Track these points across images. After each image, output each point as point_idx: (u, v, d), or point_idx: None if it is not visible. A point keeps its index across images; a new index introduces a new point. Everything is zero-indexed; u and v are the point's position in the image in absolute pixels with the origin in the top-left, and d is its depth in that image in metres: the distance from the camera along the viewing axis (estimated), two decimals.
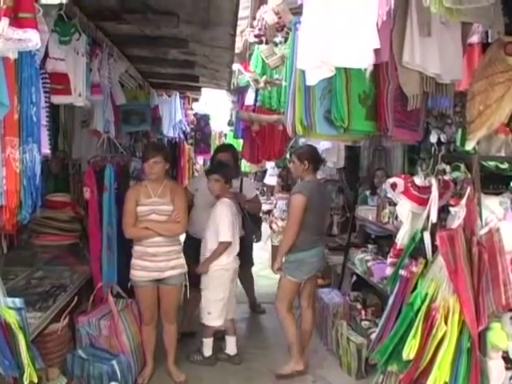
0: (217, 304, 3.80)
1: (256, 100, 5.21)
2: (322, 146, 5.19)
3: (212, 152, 5.62)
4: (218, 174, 3.88)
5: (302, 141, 4.81)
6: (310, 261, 3.76)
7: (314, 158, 3.78)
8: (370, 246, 4.61)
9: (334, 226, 6.11)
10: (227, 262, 3.82)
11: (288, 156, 6.06)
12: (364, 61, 1.95)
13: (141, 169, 4.40)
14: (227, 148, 4.72)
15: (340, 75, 2.55)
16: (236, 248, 3.91)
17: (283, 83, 4.22)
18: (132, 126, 5.36)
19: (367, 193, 5.29)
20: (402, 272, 2.68)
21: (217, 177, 3.85)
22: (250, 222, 4.45)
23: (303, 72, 2.40)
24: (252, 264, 5.19)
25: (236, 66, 5.22)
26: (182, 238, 4.00)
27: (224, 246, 3.77)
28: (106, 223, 3.70)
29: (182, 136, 7.79)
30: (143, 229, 3.46)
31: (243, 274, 4.76)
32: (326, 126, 2.69)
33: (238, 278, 5.06)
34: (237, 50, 4.80)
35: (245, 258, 4.38)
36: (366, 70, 2.06)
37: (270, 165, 7.82)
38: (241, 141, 7.47)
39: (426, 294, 2.45)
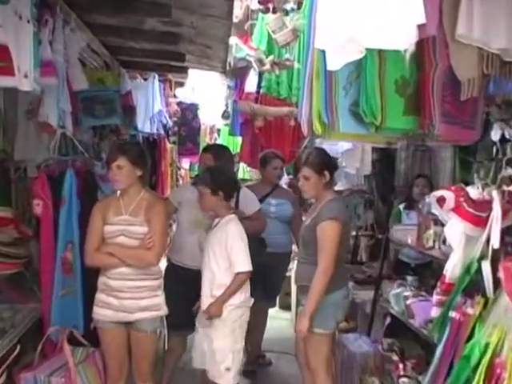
0: (236, 356, 3.77)
1: (260, 86, 5.25)
2: (340, 146, 5.21)
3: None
4: (202, 183, 3.87)
5: (318, 141, 4.82)
6: (344, 302, 3.77)
7: (333, 166, 3.79)
8: (408, 278, 4.59)
9: (360, 252, 6.10)
10: (245, 299, 3.81)
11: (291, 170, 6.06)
12: (405, 41, 1.96)
13: (104, 176, 4.42)
14: (210, 148, 4.74)
15: (371, 56, 2.56)
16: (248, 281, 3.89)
17: (295, 65, 4.24)
18: (96, 118, 5.35)
19: (401, 207, 5.30)
20: (454, 314, 2.67)
21: (201, 187, 3.84)
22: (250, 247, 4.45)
23: (323, 53, 2.40)
24: (271, 302, 5.21)
25: (233, 41, 5.25)
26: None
27: (243, 278, 3.73)
28: (64, 246, 3.69)
29: (162, 132, 7.82)
30: (106, 254, 3.48)
31: (253, 316, 4.79)
32: (351, 123, 2.70)
33: None
34: (235, 20, 4.84)
35: (259, 293, 4.39)
36: (406, 51, 2.07)
37: None
38: (239, 139, 7.53)
39: (487, 345, 2.43)
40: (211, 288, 3.76)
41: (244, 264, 3.69)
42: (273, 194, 5.13)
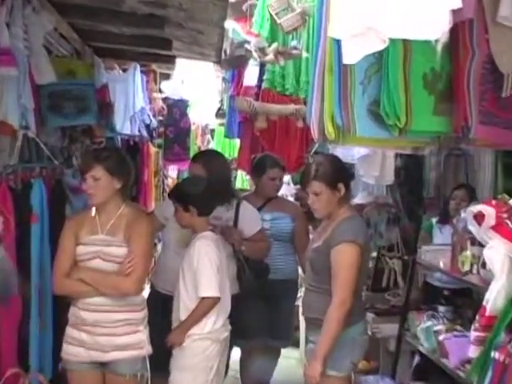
0: None
1: (261, 79, 5.26)
2: (357, 151, 5.21)
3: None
4: (174, 197, 3.99)
5: (331, 146, 4.83)
6: (362, 339, 3.76)
7: (348, 177, 3.79)
8: (441, 309, 4.59)
9: (382, 277, 6.09)
10: (212, 329, 3.83)
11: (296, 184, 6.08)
12: (436, 29, 1.96)
13: (75, 187, 4.42)
14: (200, 156, 4.73)
15: (395, 46, 2.55)
16: (226, 308, 3.94)
17: (304, 55, 4.25)
18: (65, 117, 5.38)
19: (433, 221, 5.29)
20: (496, 354, 2.66)
21: (175, 203, 3.96)
22: (250, 273, 4.44)
23: (337, 42, 2.41)
24: (281, 341, 5.13)
25: (230, 25, 5.27)
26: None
27: (209, 305, 3.78)
28: (35, 273, 3.72)
29: (144, 134, 7.85)
30: (78, 281, 3.48)
31: (259, 356, 4.80)
32: (370, 126, 2.70)
33: (241, 362, 5.01)
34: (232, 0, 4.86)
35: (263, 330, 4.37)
36: (437, 40, 2.07)
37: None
38: (236, 142, 7.54)
39: None
40: (179, 314, 3.83)
41: (209, 288, 3.74)
42: (267, 207, 5.02)
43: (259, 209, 4.86)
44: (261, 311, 4.81)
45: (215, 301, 3.78)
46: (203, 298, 3.76)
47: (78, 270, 3.50)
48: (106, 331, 3.49)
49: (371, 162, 5.39)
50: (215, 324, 3.84)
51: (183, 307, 3.83)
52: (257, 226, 4.59)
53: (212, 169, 4.36)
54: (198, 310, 3.78)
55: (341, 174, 3.71)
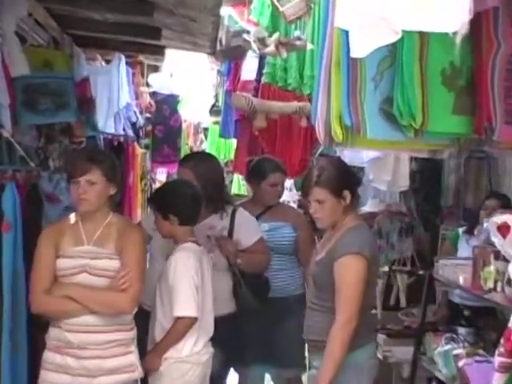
0: None
1: (261, 73, 5.26)
2: (365, 155, 5.21)
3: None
4: (153, 203, 4.03)
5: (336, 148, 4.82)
6: (371, 363, 3.73)
7: (355, 183, 3.78)
8: (461, 331, 4.59)
9: (394, 294, 6.08)
10: (192, 352, 3.82)
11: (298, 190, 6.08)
12: (455, 20, 1.96)
13: (50, 195, 4.40)
14: (188, 159, 4.71)
15: (410, 38, 2.56)
16: (208, 328, 3.92)
17: (308, 46, 4.25)
18: (41, 114, 5.39)
19: (460, 231, 5.27)
20: None
21: (154, 210, 3.98)
22: (247, 289, 4.43)
23: (346, 33, 2.41)
24: (290, 369, 5.07)
25: (226, 11, 5.27)
26: None
27: (184, 325, 3.75)
28: (7, 288, 3.72)
29: (130, 133, 7.84)
30: (63, 298, 3.44)
31: None
32: (383, 127, 2.70)
33: None
34: None
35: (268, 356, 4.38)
36: (456, 33, 2.07)
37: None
38: (233, 142, 7.53)
39: None
40: (154, 334, 3.82)
41: (185, 307, 3.72)
42: (265, 216, 4.97)
43: (257, 218, 4.82)
44: (261, 333, 4.76)
45: (192, 321, 3.75)
46: (179, 318, 3.75)
47: (61, 286, 3.44)
48: (95, 354, 3.44)
49: (382, 165, 5.39)
50: (195, 346, 3.80)
51: (159, 327, 3.81)
52: (255, 236, 4.56)
53: (202, 173, 4.34)
54: (174, 331, 3.75)
55: (347, 180, 3.69)
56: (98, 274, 3.46)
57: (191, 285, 3.75)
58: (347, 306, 3.51)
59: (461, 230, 5.24)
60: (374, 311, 5.12)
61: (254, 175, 4.98)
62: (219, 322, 4.06)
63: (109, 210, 3.61)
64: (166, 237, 3.97)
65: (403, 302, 5.89)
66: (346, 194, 3.63)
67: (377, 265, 3.72)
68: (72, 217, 3.59)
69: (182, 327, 3.76)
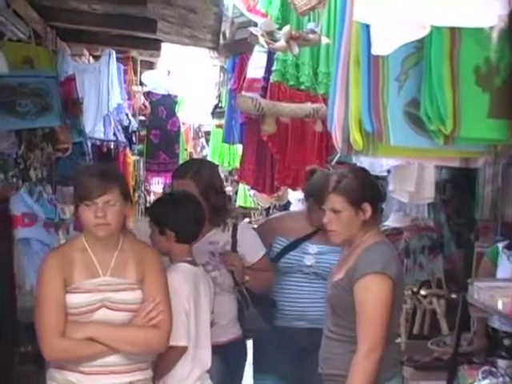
0: None
1: (269, 70, 5.27)
2: (385, 162, 5.19)
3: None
4: (150, 215, 4.07)
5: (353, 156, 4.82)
6: None
7: (378, 195, 3.78)
8: (500, 363, 4.56)
9: (422, 320, 6.07)
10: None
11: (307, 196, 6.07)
12: (491, 14, 1.96)
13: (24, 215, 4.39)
14: (185, 169, 4.70)
15: (439, 32, 2.55)
16: (204, 359, 3.94)
17: (324, 40, 4.25)
18: (21, 118, 5.41)
19: (499, 246, 5.25)
20: None
21: (151, 223, 4.02)
22: (255, 312, 4.44)
23: (366, 27, 2.42)
24: None
25: (230, 1, 5.29)
26: None
27: (171, 355, 3.78)
28: None
29: (121, 138, 7.86)
30: (85, 341, 3.36)
31: None
32: (408, 132, 2.69)
33: None
34: None
35: None
36: (492, 28, 2.07)
37: (295, 196, 7.83)
38: (238, 148, 7.54)
39: None
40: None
41: (173, 336, 3.71)
42: (316, 238, 4.90)
43: (305, 238, 4.82)
44: (289, 366, 4.73)
45: (181, 350, 3.78)
46: (170, 348, 3.76)
47: (79, 327, 3.36)
48: None
49: (405, 174, 5.38)
50: (187, 379, 3.84)
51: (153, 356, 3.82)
52: (260, 252, 4.59)
53: (204, 181, 4.38)
54: (161, 361, 3.78)
55: (368, 191, 3.70)
56: (119, 308, 3.43)
57: (181, 311, 3.76)
58: (370, 333, 3.52)
59: (500, 245, 5.22)
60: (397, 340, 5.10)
61: (316, 192, 4.83)
62: (225, 348, 4.09)
63: (121, 233, 3.57)
64: (161, 253, 3.95)
65: (445, 329, 5.85)
66: (366, 206, 3.65)
67: (402, 287, 3.72)
68: (78, 242, 3.54)
69: (171, 357, 3.78)
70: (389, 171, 5.40)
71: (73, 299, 3.37)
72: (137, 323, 3.43)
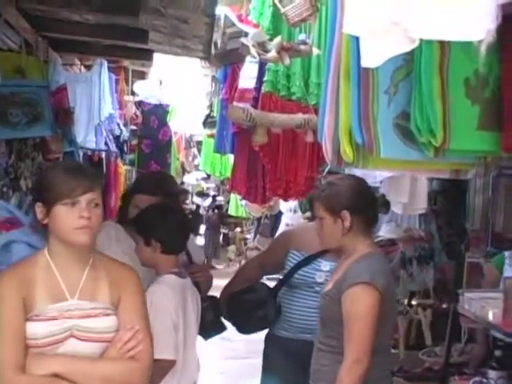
0: None
1: (261, 81, 5.27)
2: (379, 173, 5.20)
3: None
4: (135, 225, 3.96)
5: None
6: None
7: (363, 205, 3.77)
8: (491, 374, 4.55)
9: (413, 331, 6.08)
10: None
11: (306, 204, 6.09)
12: (479, 28, 1.96)
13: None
14: (146, 182, 4.65)
15: (428, 45, 2.56)
16: (192, 371, 3.93)
17: (315, 51, 4.26)
18: (12, 128, 5.40)
19: (505, 254, 5.23)
20: None
21: (136, 233, 3.93)
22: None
23: (356, 40, 2.42)
24: None
25: (222, 11, 5.30)
26: None
27: (160, 369, 3.68)
28: None
29: (113, 147, 7.85)
30: (50, 378, 2.83)
31: None
32: (398, 145, 2.69)
33: None
34: None
35: None
36: (481, 41, 2.07)
37: (286, 206, 7.85)
38: (230, 157, 7.53)
39: None
40: None
41: (161, 349, 3.68)
42: (329, 255, 4.81)
43: (319, 254, 4.78)
44: (291, 376, 4.74)
45: (170, 364, 3.75)
46: (155, 360, 3.72)
47: (42, 360, 2.84)
48: None
49: (398, 185, 5.39)
50: None
51: None
52: (201, 254, 4.68)
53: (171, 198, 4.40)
54: (153, 376, 3.74)
55: (348, 200, 3.66)
56: (90, 338, 2.90)
57: (168, 324, 3.74)
58: (356, 344, 3.49)
59: (507, 252, 5.22)
60: (395, 351, 5.11)
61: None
62: None
63: (91, 246, 2.99)
64: (147, 265, 3.93)
65: (429, 340, 5.86)
66: (345, 214, 3.63)
67: (393, 299, 3.70)
68: (40, 257, 2.96)
69: (159, 370, 3.73)
70: (381, 182, 5.42)
71: (35, 328, 2.82)
72: (112, 355, 2.92)
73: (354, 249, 3.69)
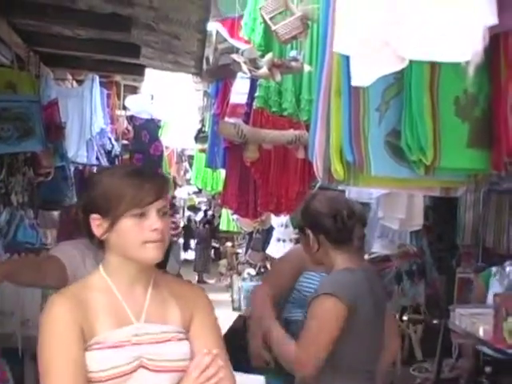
0: None
1: (252, 97, 5.27)
2: (375, 190, 5.20)
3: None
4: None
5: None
6: None
7: (326, 221, 3.67)
8: None
9: (404, 346, 6.08)
10: None
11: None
12: (466, 50, 1.97)
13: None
14: None
15: (419, 63, 2.56)
16: None
17: (306, 68, 4.27)
18: (3, 142, 5.41)
19: (492, 270, 5.24)
20: None
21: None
22: None
23: (346, 58, 2.43)
24: None
25: (213, 27, 5.31)
26: None
27: None
28: None
29: (104, 162, 7.84)
30: None
31: None
32: (388, 163, 2.69)
33: None
34: None
35: None
36: (468, 62, 2.08)
37: (278, 221, 7.84)
38: (222, 172, 7.54)
39: None
40: None
41: None
42: None
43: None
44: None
45: None
46: None
47: None
48: None
49: (395, 201, 5.38)
50: None
51: None
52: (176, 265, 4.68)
53: None
54: None
55: (308, 216, 3.67)
56: (163, 368, 2.48)
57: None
58: (305, 348, 3.46)
59: (494, 268, 5.23)
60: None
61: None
62: None
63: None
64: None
65: (419, 356, 5.86)
66: (307, 231, 3.65)
67: (363, 314, 3.57)
68: (96, 278, 2.57)
69: None
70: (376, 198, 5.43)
71: (97, 358, 2.38)
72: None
73: (331, 264, 3.67)
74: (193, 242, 25.44)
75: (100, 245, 2.56)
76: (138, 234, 2.44)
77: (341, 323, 3.45)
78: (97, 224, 2.47)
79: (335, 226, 3.64)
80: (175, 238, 14.66)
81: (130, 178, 2.49)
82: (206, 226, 22.28)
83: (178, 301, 2.61)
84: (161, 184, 2.51)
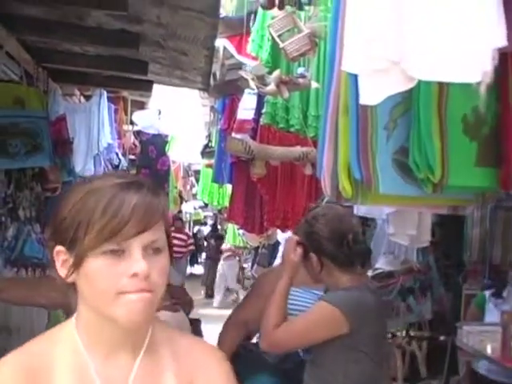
0: None
1: (259, 113, 5.27)
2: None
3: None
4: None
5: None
6: None
7: (337, 249, 3.57)
8: None
9: (410, 363, 6.05)
10: None
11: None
12: (475, 70, 1.97)
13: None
14: None
15: (426, 83, 2.57)
16: None
17: (313, 85, 4.27)
18: (11, 158, 5.39)
19: (486, 294, 5.24)
20: None
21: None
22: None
23: (355, 77, 2.42)
24: None
25: (221, 44, 5.32)
26: None
27: None
28: None
29: None
30: None
31: None
32: (396, 181, 2.68)
33: None
34: (223, 14, 4.91)
35: None
36: (479, 82, 2.08)
37: (283, 236, 7.82)
38: (228, 187, 7.54)
39: None
40: None
41: None
42: None
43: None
44: None
45: None
46: None
47: None
48: None
49: (406, 217, 5.36)
50: None
51: None
52: (178, 278, 4.71)
53: None
54: None
55: (320, 242, 3.57)
56: None
57: None
58: (285, 331, 3.49)
59: (487, 292, 5.21)
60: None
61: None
62: None
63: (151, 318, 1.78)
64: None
65: (423, 373, 5.83)
66: (311, 254, 3.58)
67: (366, 333, 3.52)
68: (64, 333, 1.78)
69: None
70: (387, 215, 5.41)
71: None
72: None
73: (336, 284, 3.63)
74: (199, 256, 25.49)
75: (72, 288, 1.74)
76: (110, 280, 1.63)
77: (332, 331, 3.44)
78: (62, 260, 1.70)
79: (340, 251, 3.58)
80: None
81: (106, 194, 1.65)
82: (212, 241, 22.18)
83: (177, 371, 1.80)
84: (152, 206, 1.68)
